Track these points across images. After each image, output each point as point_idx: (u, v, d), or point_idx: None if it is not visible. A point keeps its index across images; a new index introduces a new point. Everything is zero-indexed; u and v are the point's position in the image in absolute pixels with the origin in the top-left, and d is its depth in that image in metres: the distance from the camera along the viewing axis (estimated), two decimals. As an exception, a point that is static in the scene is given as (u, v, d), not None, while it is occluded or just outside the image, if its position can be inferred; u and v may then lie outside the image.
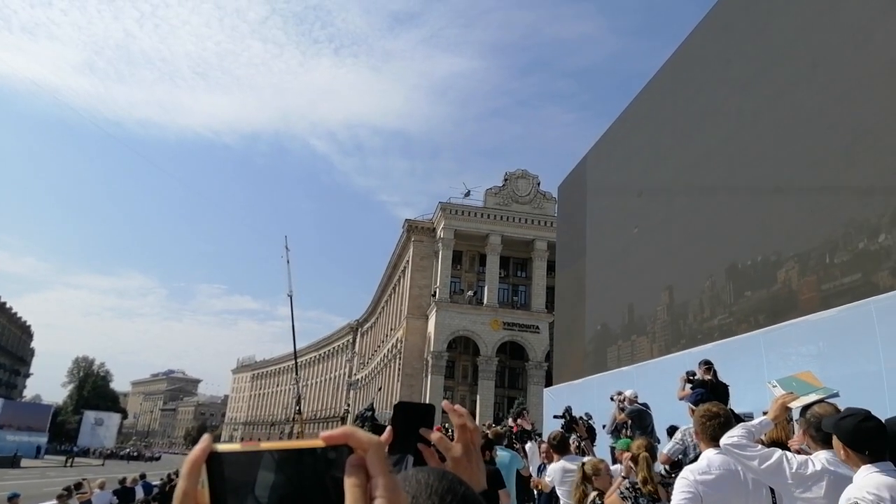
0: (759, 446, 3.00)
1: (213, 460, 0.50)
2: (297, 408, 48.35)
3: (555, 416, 8.82)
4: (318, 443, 0.52)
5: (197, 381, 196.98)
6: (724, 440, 3.07)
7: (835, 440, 2.77)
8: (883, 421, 2.75)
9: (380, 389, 63.02)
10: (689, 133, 15.40)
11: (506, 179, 57.28)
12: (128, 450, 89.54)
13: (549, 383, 28.57)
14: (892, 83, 9.34)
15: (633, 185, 18.20)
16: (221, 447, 0.51)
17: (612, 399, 9.21)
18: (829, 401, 3.00)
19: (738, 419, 7.37)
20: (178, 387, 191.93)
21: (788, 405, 3.01)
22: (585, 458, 6.49)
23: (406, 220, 60.08)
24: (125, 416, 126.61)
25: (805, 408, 2.93)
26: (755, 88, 12.79)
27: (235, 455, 0.51)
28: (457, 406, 0.90)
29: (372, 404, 10.31)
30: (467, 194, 56.68)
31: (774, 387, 3.12)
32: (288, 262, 46.00)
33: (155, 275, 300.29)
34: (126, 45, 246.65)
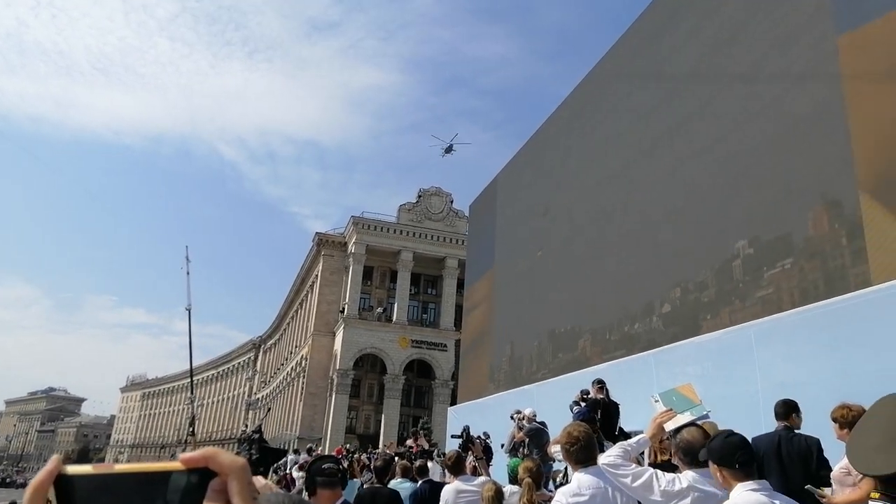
0: (633, 465, 3.11)
1: (63, 484, 0.47)
2: (191, 429, 45.58)
3: (452, 436, 8.70)
4: (177, 465, 0.50)
5: (81, 400, 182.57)
6: (601, 459, 3.22)
7: (711, 465, 2.83)
8: (753, 438, 2.81)
9: (269, 409, 60.79)
10: (592, 158, 15.98)
11: (420, 196, 57.47)
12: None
13: (454, 402, 28.58)
14: (774, 120, 10.06)
15: (541, 207, 18.65)
16: (72, 470, 0.48)
17: (511, 418, 9.21)
18: (700, 421, 3.10)
19: (627, 436, 7.52)
20: (59, 406, 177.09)
21: (664, 425, 3.10)
22: (479, 479, 6.38)
23: (317, 233, 58.83)
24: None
25: (678, 429, 3.02)
26: (654, 120, 13.45)
27: (87, 478, 0.48)
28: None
29: (260, 426, 9.79)
30: (449, 149, 55.40)
31: (657, 401, 3.22)
32: (188, 273, 43.46)
33: (40, 284, 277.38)
34: (19, 35, 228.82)
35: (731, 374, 9.25)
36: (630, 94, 14.61)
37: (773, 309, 9.40)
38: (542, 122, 19.86)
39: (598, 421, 7.60)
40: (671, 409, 3.09)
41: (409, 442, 14.18)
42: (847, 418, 4.44)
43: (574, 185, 16.73)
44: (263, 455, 6.11)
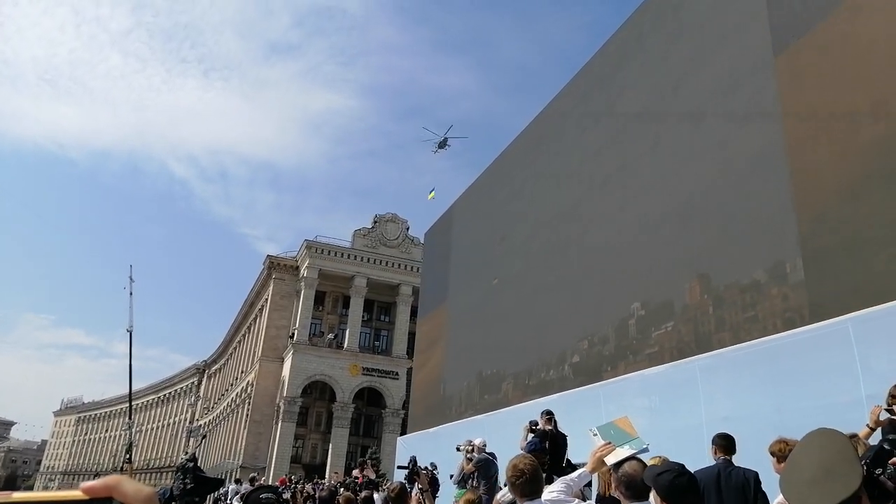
0: (576, 501, 3.08)
1: None
2: (128, 456, 43.60)
3: (399, 467, 8.56)
4: (78, 495, 0.48)
5: (10, 424, 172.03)
6: (545, 495, 3.22)
7: (653, 494, 2.88)
8: (695, 472, 2.86)
9: (204, 437, 58.72)
10: (546, 192, 16.28)
11: (375, 222, 57.33)
12: None
13: (404, 432, 28.20)
14: (718, 161, 10.47)
15: (495, 238, 18.83)
16: None
17: (458, 449, 9.12)
18: (640, 454, 3.14)
19: (574, 468, 7.52)
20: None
21: (604, 458, 3.11)
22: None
23: (268, 255, 57.79)
24: None
25: (618, 463, 3.04)
26: (605, 157, 13.83)
27: None
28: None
29: (194, 454, 9.34)
30: (443, 144, 53.17)
31: (595, 435, 3.23)
32: (131, 293, 42.06)
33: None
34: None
35: (678, 407, 9.44)
36: (585, 131, 15.02)
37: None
38: (496, 155, 20.19)
39: (547, 452, 7.60)
40: (610, 443, 3.12)
41: (356, 472, 13.87)
42: (784, 452, 4.55)
43: (528, 218, 17.03)
44: (199, 485, 5.83)
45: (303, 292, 53.38)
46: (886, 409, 4.06)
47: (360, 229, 56.46)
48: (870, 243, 7.85)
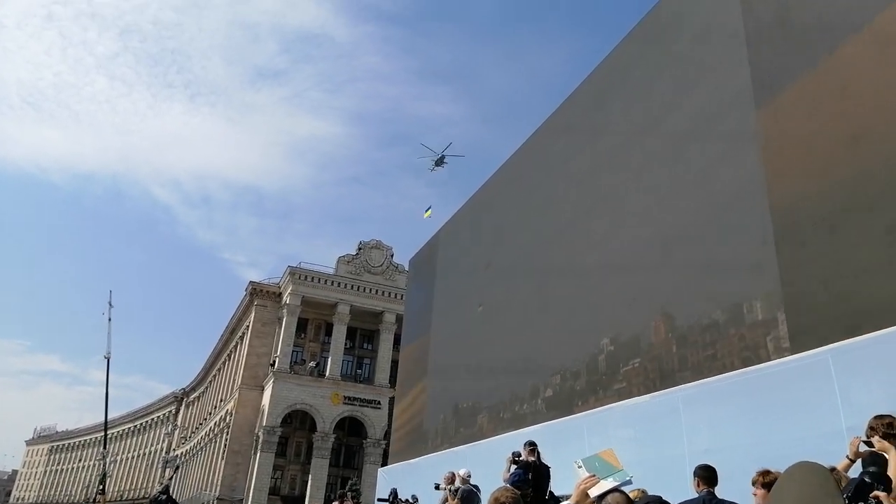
0: None
1: None
2: (101, 487, 42.28)
3: (379, 500, 8.38)
4: None
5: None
6: None
7: None
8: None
9: (178, 467, 57.32)
10: (530, 220, 16.39)
11: (360, 248, 57.12)
12: None
13: (385, 463, 27.71)
14: (699, 193, 10.62)
15: (480, 266, 18.85)
16: None
17: (437, 488, 8.87)
18: (623, 486, 3.10)
19: (557, 501, 7.42)
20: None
21: (588, 491, 3.07)
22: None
23: (250, 282, 57.26)
24: None
25: (601, 496, 3.00)
26: (588, 188, 13.98)
27: None
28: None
29: (168, 486, 9.13)
30: (440, 161, 47.49)
31: (580, 467, 3.18)
32: (109, 319, 41.35)
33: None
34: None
35: (660, 438, 9.39)
36: (568, 161, 15.19)
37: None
38: (482, 183, 20.33)
39: (531, 484, 7.50)
40: (594, 475, 3.08)
41: (335, 504, 13.58)
42: (767, 483, 4.53)
43: (513, 246, 17.11)
44: (173, 517, 5.67)
45: (285, 319, 52.83)
46: (865, 442, 4.06)
47: (343, 256, 56.25)
48: (848, 276, 7.96)
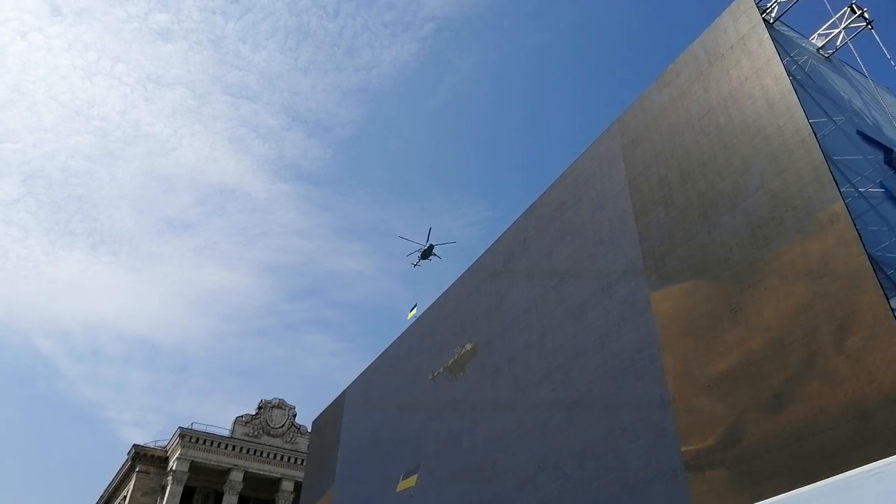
0: None
1: None
2: None
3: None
4: None
5: None
6: None
7: None
8: None
9: None
10: (438, 383, 16.25)
11: (260, 408, 53.64)
12: None
13: None
14: (600, 354, 11.04)
15: (387, 428, 18.16)
16: None
17: None
18: None
19: None
20: None
21: None
22: None
23: (134, 445, 51.70)
24: None
25: None
26: (496, 348, 14.25)
27: None
28: None
29: None
30: (427, 253, 35.16)
31: None
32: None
33: None
34: None
35: None
36: (477, 320, 15.54)
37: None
38: (391, 341, 20.27)
39: None
40: None
41: None
42: None
43: (415, 412, 16.76)
44: None
45: (169, 488, 47.43)
46: None
47: (241, 416, 52.52)
48: (744, 444, 8.27)
